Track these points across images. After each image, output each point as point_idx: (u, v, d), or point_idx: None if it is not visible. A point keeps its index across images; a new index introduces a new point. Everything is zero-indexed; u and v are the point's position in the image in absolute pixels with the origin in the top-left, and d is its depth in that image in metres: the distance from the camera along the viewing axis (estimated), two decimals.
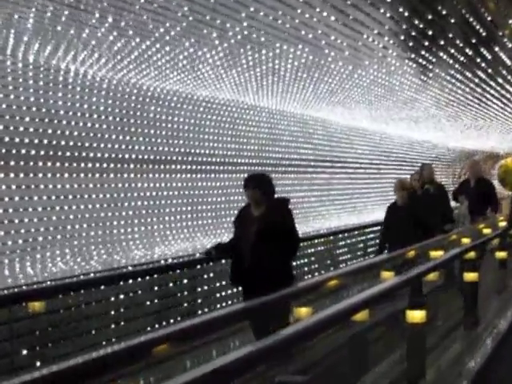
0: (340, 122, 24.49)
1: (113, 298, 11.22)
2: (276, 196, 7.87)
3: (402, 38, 10.21)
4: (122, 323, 11.25)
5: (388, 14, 8.86)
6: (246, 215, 7.75)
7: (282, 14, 9.12)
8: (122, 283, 11.12)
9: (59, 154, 13.28)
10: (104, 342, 10.66)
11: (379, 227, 15.25)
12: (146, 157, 15.57)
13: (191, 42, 11.12)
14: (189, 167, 17.09)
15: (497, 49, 11.45)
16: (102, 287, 10.68)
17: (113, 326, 11.14)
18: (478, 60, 12.37)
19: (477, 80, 14.63)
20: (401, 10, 8.64)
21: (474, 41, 10.71)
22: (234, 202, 18.81)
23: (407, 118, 22.57)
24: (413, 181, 12.79)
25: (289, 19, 9.40)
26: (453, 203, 14.58)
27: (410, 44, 10.69)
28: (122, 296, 11.33)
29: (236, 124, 18.94)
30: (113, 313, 11.18)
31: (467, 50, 11.40)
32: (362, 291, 7.36)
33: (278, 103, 18.85)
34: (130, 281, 11.26)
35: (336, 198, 24.76)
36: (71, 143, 13.54)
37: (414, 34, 9.98)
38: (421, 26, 9.51)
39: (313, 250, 17.79)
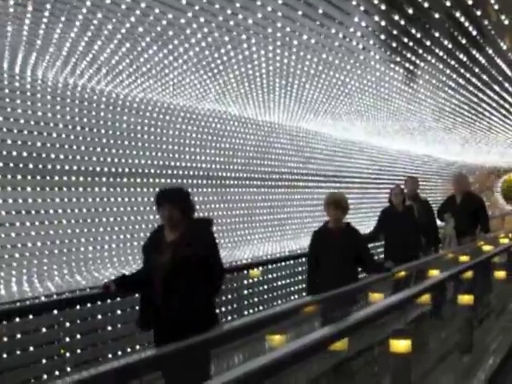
0: (333, 134, 23.51)
1: (68, 324, 10.19)
2: (196, 216, 6.53)
3: (383, 37, 9.16)
4: (79, 351, 10.25)
5: (362, 8, 7.81)
6: (159, 240, 6.36)
7: (249, 12, 8.14)
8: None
9: (21, 166, 12.29)
10: (57, 373, 9.72)
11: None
12: (119, 170, 14.55)
13: (163, 47, 10.20)
14: (168, 181, 16.04)
15: (491, 51, 10.39)
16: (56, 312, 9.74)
17: (68, 354, 10.12)
18: (471, 65, 11.31)
19: (471, 88, 13.56)
20: (376, 1, 7.60)
21: (464, 41, 9.66)
22: (221, 218, 17.86)
23: (402, 130, 21.53)
24: (393, 196, 11.57)
25: (258, 18, 8.40)
26: (438, 222, 13.33)
27: (393, 45, 9.63)
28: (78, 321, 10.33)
29: (220, 136, 17.94)
30: (68, 340, 10.16)
31: (457, 53, 10.34)
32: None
33: (262, 114, 17.83)
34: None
35: None
36: (34, 155, 12.55)
37: (395, 32, 8.93)
38: (402, 22, 8.47)
39: (300, 268, 16.85)
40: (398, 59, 10.56)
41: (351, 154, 25.16)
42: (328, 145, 23.67)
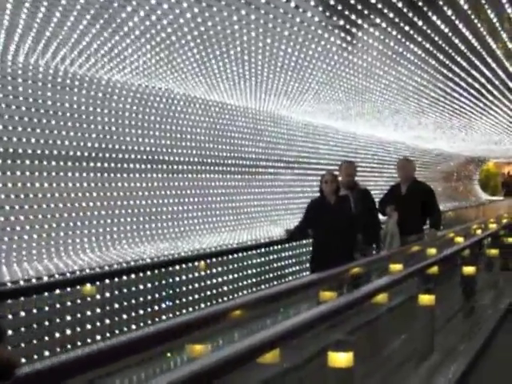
0: (294, 117, 22.03)
1: None
2: None
3: None
4: None
5: None
6: None
7: None
8: None
9: None
10: None
11: None
12: (46, 152, 13.01)
13: (98, 18, 8.82)
14: (106, 165, 14.55)
15: (450, 12, 8.86)
16: None
17: None
18: (428, 31, 9.81)
19: (433, 62, 12.06)
20: None
21: None
22: (167, 206, 16.42)
23: (367, 113, 20.07)
24: (323, 183, 9.68)
25: None
26: (380, 216, 11.27)
27: (330, 2, 8.13)
28: None
29: (165, 116, 16.45)
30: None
31: (409, 13, 8.82)
32: None
33: (210, 93, 16.32)
34: None
35: (293, 202, 22.36)
36: None
37: None
38: None
39: (254, 261, 15.53)
40: (341, 22, 9.03)
41: (314, 138, 23.74)
42: (290, 128, 22.27)
